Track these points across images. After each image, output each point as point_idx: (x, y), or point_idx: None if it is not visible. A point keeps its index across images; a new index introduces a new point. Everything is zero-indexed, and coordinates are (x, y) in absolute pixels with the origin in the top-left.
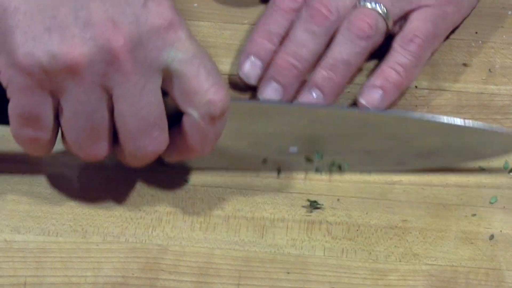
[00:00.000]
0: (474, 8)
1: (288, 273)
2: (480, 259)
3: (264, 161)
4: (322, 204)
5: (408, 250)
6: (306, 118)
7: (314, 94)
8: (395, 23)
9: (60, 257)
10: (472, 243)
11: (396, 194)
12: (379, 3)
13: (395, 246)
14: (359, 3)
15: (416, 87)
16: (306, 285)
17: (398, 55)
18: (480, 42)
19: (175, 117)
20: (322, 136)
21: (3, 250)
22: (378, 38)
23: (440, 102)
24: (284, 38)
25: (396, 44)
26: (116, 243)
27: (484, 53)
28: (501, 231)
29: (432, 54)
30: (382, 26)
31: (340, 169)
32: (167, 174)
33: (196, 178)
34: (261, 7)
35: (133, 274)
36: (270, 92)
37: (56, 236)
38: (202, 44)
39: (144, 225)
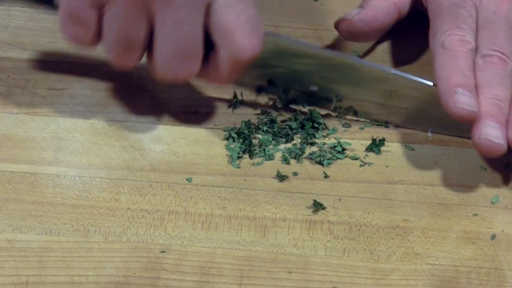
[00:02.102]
0: None
1: (290, 272)
2: (482, 259)
3: (285, 91)
4: (326, 207)
5: (410, 250)
6: (328, 63)
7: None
8: None
9: (62, 256)
10: (473, 243)
11: (397, 194)
12: None
13: (396, 245)
14: None
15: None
16: (308, 284)
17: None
18: None
19: (209, 46)
20: (340, 81)
21: (5, 249)
22: None
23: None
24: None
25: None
26: (118, 243)
27: None
28: (502, 231)
29: None
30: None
31: (356, 114)
32: (169, 173)
33: (198, 178)
34: (263, 7)
35: (134, 273)
36: (494, 130)
37: (58, 235)
38: None
39: (146, 224)
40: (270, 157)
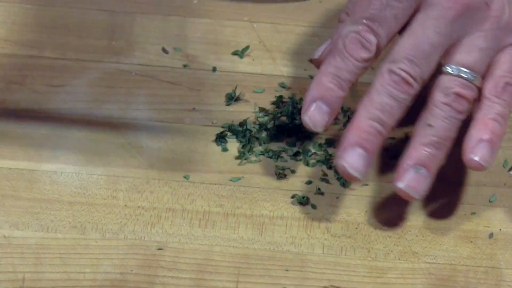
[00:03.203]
0: None
1: (287, 270)
2: (479, 257)
3: None
4: (309, 203)
5: (407, 248)
6: None
7: (421, 173)
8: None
9: (59, 253)
10: (471, 241)
11: (395, 192)
12: (470, 70)
13: (394, 244)
14: (446, 68)
15: None
16: (305, 282)
17: (496, 105)
18: None
19: None
20: None
21: (2, 246)
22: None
23: None
24: (353, 84)
25: (489, 94)
26: (115, 240)
27: None
28: (500, 229)
29: None
30: (476, 93)
31: None
32: (166, 171)
33: (195, 175)
34: (261, 4)
35: (131, 270)
36: (355, 158)
37: (55, 232)
38: (202, 41)
39: (143, 222)
40: (268, 154)
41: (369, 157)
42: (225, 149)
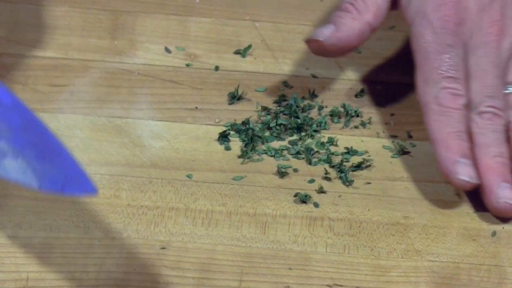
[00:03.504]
0: None
1: (290, 269)
2: (482, 255)
3: None
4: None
5: (410, 247)
6: None
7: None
8: None
9: (62, 252)
10: (474, 239)
11: (398, 190)
12: None
13: (397, 242)
14: (507, 89)
15: None
16: (308, 281)
17: None
18: None
19: None
20: None
21: (6, 245)
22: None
23: None
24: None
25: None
26: (118, 239)
27: None
28: (503, 227)
29: None
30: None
31: None
32: (169, 170)
33: (198, 174)
34: (263, 3)
35: (135, 270)
36: (509, 192)
37: (59, 232)
38: (205, 41)
39: (146, 221)
40: (270, 153)
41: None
42: (228, 148)
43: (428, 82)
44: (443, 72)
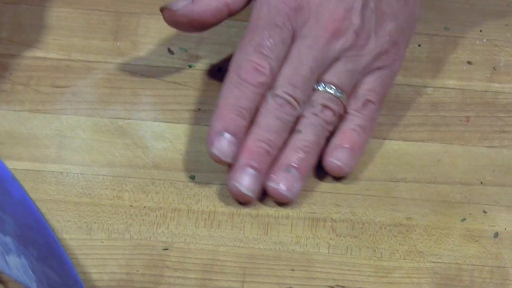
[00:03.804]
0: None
1: (293, 270)
2: (485, 256)
3: None
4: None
5: (413, 248)
6: None
7: (291, 173)
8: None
9: None
10: (476, 241)
11: (400, 191)
12: (336, 88)
13: (399, 243)
14: (317, 86)
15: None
16: (311, 282)
17: (356, 119)
18: (485, 40)
19: None
20: None
21: None
22: (339, 119)
23: (444, 100)
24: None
25: (351, 109)
26: (120, 240)
27: (488, 51)
28: (505, 229)
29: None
30: (341, 108)
31: None
32: (172, 171)
33: (200, 175)
34: None
35: (137, 271)
36: (247, 178)
37: (61, 233)
38: (208, 42)
39: (148, 222)
40: None
41: (259, 176)
42: None
43: (240, 52)
44: (257, 47)
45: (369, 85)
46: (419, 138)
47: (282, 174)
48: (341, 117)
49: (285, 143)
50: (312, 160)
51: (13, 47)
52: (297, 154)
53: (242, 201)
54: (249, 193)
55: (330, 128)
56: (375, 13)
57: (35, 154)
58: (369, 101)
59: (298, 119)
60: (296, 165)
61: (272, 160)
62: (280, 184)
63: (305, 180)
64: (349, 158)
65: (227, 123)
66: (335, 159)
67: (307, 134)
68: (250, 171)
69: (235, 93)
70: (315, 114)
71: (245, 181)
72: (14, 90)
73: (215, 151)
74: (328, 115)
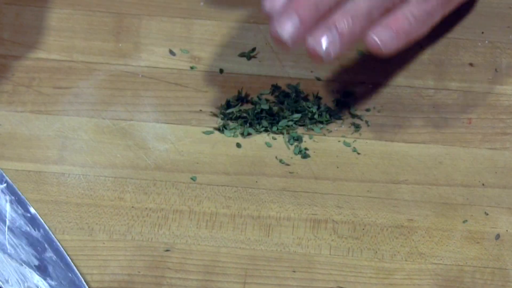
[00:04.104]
0: None
1: (294, 271)
2: (486, 258)
3: None
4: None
5: (414, 249)
6: None
7: (333, 33)
8: None
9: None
10: (478, 242)
11: (402, 193)
12: None
13: (401, 245)
14: None
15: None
16: (312, 284)
17: (414, 7)
18: (487, 42)
19: None
20: None
21: None
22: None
23: (446, 102)
24: None
25: None
26: (122, 241)
27: (490, 53)
28: (507, 230)
29: (442, 17)
30: None
31: None
32: (174, 172)
33: (202, 177)
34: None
35: (139, 272)
36: (289, 24)
37: (63, 234)
38: (209, 43)
39: (150, 223)
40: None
41: (301, 26)
42: (239, 146)
43: None
44: None
45: None
46: (420, 140)
47: (323, 31)
48: None
49: (339, 7)
50: (357, 30)
51: (15, 48)
52: (343, 19)
53: (279, 46)
54: (287, 39)
55: (389, 4)
56: None
57: (37, 155)
58: None
59: None
60: (339, 28)
61: (319, 17)
62: (319, 40)
63: (345, 47)
64: (390, 40)
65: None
66: (377, 36)
67: (360, 3)
68: (294, 18)
69: None
70: None
71: (287, 27)
72: (16, 91)
73: (282, 30)
74: None
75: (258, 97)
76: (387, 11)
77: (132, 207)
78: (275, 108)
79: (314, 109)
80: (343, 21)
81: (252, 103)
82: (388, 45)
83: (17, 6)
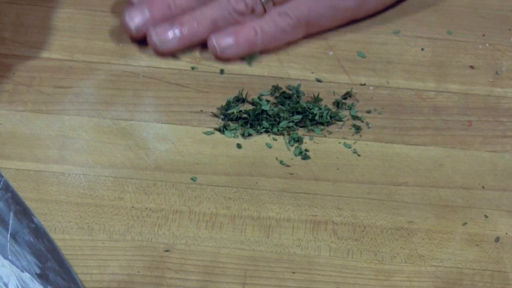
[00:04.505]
0: None
1: (294, 273)
2: (486, 261)
3: None
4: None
5: (414, 252)
6: None
7: (174, 28)
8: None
9: (66, 254)
10: (477, 245)
11: (402, 195)
12: None
13: (400, 247)
14: None
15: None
16: (312, 285)
17: (264, 21)
18: (487, 44)
19: None
20: None
21: None
22: (251, 14)
23: (447, 104)
24: None
25: (268, 13)
26: (122, 241)
27: (491, 56)
28: (506, 233)
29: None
30: (260, 9)
31: None
32: (174, 173)
33: (202, 177)
34: None
35: (138, 272)
36: (139, 15)
37: (62, 233)
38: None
39: (150, 223)
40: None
41: (150, 19)
42: (239, 146)
43: None
44: None
45: (297, 3)
46: (421, 142)
47: (166, 25)
48: (253, 12)
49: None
50: (200, 32)
51: (16, 47)
52: (189, 19)
53: (125, 32)
54: (132, 29)
55: (238, 17)
56: None
57: (37, 154)
58: (286, 13)
59: None
60: (181, 26)
61: (168, 17)
62: (158, 32)
63: (184, 46)
64: (227, 45)
65: None
66: (215, 38)
67: (209, 10)
68: (146, 13)
69: None
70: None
71: (136, 19)
72: (17, 91)
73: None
74: (239, 6)
75: (258, 98)
76: (237, 22)
77: (132, 207)
78: (276, 110)
79: (315, 110)
80: (186, 19)
81: (253, 103)
82: (225, 50)
83: (18, 5)
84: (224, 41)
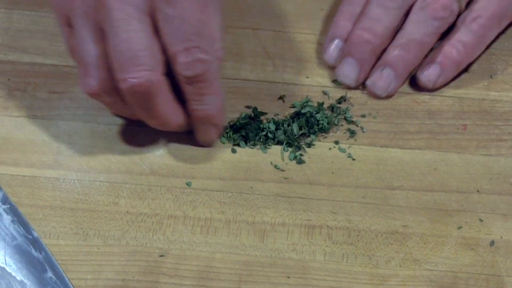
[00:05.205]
0: None
1: (289, 277)
2: (481, 265)
3: None
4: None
5: (409, 256)
6: None
7: (385, 72)
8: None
9: (60, 259)
10: (472, 249)
11: (397, 199)
12: None
13: (395, 251)
14: None
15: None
16: None
17: (460, 34)
18: None
19: None
20: None
21: None
22: (451, 19)
23: (441, 108)
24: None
25: (460, 22)
26: (117, 246)
27: (486, 60)
28: (501, 237)
29: (498, 35)
30: (456, 7)
31: None
32: (169, 177)
33: (197, 182)
34: (264, 12)
35: (133, 277)
36: (346, 67)
37: (57, 238)
38: None
39: (145, 228)
40: (266, 141)
41: (359, 65)
42: (234, 151)
43: None
44: None
45: (484, 1)
46: (416, 146)
47: (378, 73)
48: (452, 17)
49: (388, 34)
50: (412, 59)
51: (10, 53)
52: (394, 52)
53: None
54: (347, 81)
55: (439, 24)
56: None
57: (32, 160)
58: (479, 16)
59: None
60: (392, 63)
61: (376, 50)
62: (376, 82)
63: (404, 78)
64: (437, 75)
65: (338, 29)
66: (423, 73)
67: (409, 31)
68: (350, 60)
69: (348, 1)
70: (422, 8)
71: (346, 70)
72: (12, 96)
73: (325, 57)
74: (437, 8)
75: (267, 120)
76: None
77: (127, 212)
78: (280, 132)
79: (318, 117)
80: (393, 54)
81: (258, 121)
82: (435, 80)
83: (13, 11)
84: (431, 73)
